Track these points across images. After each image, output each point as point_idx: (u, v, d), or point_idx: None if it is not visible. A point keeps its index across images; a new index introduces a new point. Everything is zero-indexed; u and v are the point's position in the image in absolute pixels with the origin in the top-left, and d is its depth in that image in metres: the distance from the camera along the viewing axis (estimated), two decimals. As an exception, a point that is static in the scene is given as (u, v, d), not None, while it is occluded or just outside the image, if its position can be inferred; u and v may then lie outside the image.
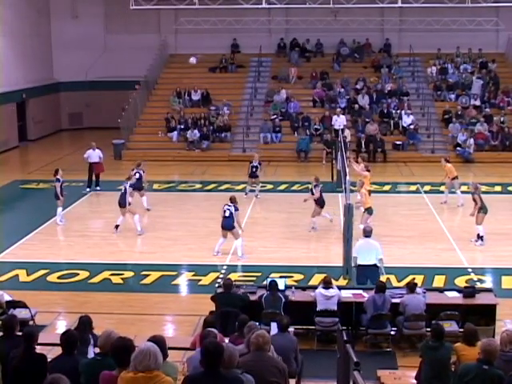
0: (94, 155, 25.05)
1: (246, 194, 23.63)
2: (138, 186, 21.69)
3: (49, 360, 7.69)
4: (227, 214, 17.46)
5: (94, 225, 21.87)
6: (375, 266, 14.33)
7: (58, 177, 20.91)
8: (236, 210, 17.60)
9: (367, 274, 14.26)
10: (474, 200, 18.39)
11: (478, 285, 15.30)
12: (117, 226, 19.88)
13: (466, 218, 21.23)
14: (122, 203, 19.70)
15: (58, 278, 16.53)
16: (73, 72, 38.33)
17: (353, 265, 14.61)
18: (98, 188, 25.14)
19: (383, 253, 14.59)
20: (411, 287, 12.68)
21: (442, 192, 23.13)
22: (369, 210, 19.00)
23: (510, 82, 34.41)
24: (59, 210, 20.93)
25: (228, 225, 17.49)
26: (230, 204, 17.61)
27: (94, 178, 25.21)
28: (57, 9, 38.89)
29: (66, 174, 27.61)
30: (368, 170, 21.52)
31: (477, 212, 18.33)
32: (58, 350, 7.71)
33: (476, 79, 34.30)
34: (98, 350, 7.80)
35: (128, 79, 35.93)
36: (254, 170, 23.60)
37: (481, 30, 34.71)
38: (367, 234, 14.61)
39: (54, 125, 39.39)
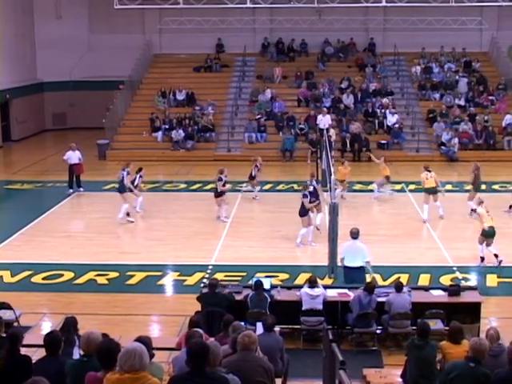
0: (74, 156, 24.74)
1: (256, 196, 23.71)
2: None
3: (33, 361, 7.63)
4: None
5: (79, 225, 21.78)
6: (361, 268, 14.32)
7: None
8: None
9: (353, 276, 14.19)
10: None
11: (463, 283, 15.34)
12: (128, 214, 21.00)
13: (452, 216, 21.35)
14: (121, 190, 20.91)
15: (43, 278, 16.42)
16: (57, 72, 38.04)
17: (340, 265, 14.52)
18: (81, 189, 24.90)
19: (370, 254, 14.55)
20: (398, 286, 12.70)
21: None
22: None
23: (493, 81, 34.59)
24: None
25: None
26: None
27: (74, 179, 24.97)
28: (40, 9, 38.62)
29: (49, 174, 27.60)
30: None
31: None
32: (43, 352, 7.65)
33: (461, 78, 34.46)
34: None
35: (112, 79, 35.79)
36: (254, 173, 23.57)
37: (465, 30, 34.79)
38: (354, 235, 14.54)
39: (38, 125, 39.13)
